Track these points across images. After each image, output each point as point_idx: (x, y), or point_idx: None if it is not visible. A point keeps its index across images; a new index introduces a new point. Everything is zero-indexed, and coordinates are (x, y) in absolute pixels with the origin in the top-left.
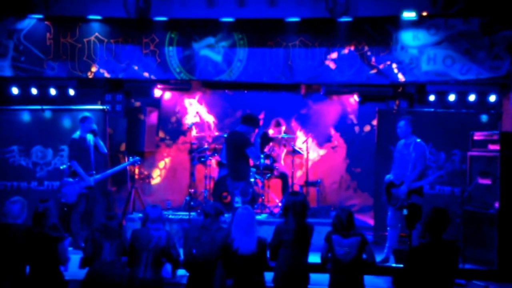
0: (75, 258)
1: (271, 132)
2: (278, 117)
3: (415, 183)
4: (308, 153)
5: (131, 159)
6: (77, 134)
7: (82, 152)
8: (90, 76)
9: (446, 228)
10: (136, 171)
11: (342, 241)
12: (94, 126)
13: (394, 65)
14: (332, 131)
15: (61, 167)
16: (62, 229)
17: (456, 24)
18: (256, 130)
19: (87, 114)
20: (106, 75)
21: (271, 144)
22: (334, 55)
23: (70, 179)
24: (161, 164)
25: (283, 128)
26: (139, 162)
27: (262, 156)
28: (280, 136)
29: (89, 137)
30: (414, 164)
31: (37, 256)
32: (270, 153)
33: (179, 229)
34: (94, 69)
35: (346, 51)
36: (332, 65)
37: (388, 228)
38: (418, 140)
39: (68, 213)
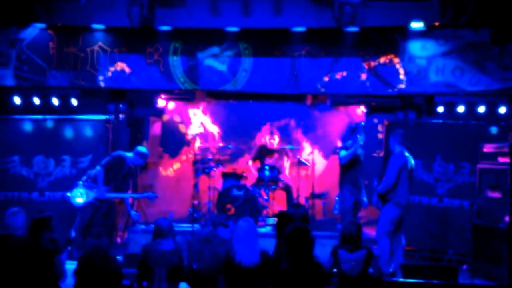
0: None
1: (269, 142)
2: (283, 128)
3: (379, 190)
4: (314, 164)
5: (148, 194)
6: (127, 154)
7: (115, 169)
8: (93, 86)
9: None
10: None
11: (348, 255)
12: (144, 160)
13: (402, 76)
14: (339, 143)
15: (92, 172)
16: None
17: (465, 34)
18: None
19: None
20: (109, 84)
21: (275, 155)
22: (340, 65)
23: (86, 184)
24: (164, 174)
25: (276, 137)
26: (154, 199)
27: (266, 167)
28: (284, 147)
29: (132, 161)
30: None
31: (34, 269)
32: (274, 164)
33: (182, 241)
34: (97, 78)
35: (353, 61)
36: (339, 76)
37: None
38: (398, 151)
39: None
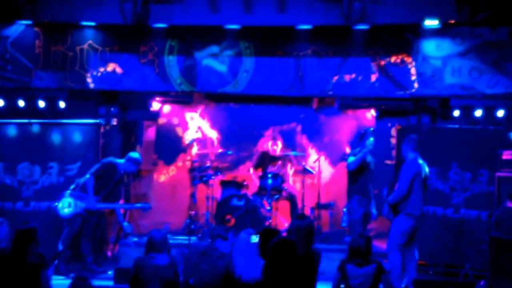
0: (58, 284)
1: (272, 148)
2: (287, 133)
3: (390, 200)
4: (320, 172)
5: (142, 205)
6: (119, 161)
7: (106, 177)
8: (82, 87)
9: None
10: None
11: (357, 270)
12: (136, 167)
13: (414, 77)
14: (347, 149)
15: (81, 180)
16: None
17: (483, 33)
18: None
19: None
20: (100, 86)
21: (279, 162)
22: (349, 65)
23: (74, 193)
24: (159, 183)
25: (280, 143)
26: (148, 210)
27: (269, 176)
28: (288, 154)
29: (124, 168)
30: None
31: (18, 285)
32: (277, 172)
33: (177, 255)
34: (87, 79)
35: (362, 61)
36: (347, 77)
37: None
38: (411, 158)
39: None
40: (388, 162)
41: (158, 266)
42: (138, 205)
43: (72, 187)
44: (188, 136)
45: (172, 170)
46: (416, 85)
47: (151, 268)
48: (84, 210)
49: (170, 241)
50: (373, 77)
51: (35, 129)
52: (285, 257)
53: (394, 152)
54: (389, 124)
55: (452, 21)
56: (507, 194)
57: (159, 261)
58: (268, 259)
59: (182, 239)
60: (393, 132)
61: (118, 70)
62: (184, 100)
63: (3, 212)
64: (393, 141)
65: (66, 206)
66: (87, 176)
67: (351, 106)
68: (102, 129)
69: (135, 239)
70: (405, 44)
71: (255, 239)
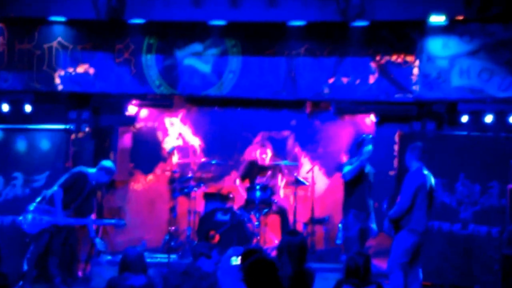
0: None
1: (260, 157)
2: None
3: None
4: (314, 184)
5: (116, 221)
6: (90, 170)
7: (76, 189)
8: (51, 89)
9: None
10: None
11: None
12: (109, 177)
13: (419, 79)
14: (344, 158)
15: (49, 192)
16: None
17: (495, 30)
18: None
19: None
20: (71, 88)
21: (268, 173)
22: (346, 66)
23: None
24: (135, 195)
25: (269, 151)
26: (123, 226)
27: (257, 187)
28: (279, 163)
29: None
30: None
31: None
32: (267, 184)
33: (156, 275)
34: (56, 80)
35: (360, 61)
36: (344, 79)
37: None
38: (415, 168)
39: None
40: (392, 173)
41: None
42: (112, 221)
43: (38, 199)
44: (168, 143)
45: (150, 181)
46: (420, 87)
47: None
48: (52, 225)
49: (148, 260)
50: (373, 79)
51: None
52: (263, 280)
53: (396, 162)
54: (391, 131)
55: (461, 17)
56: None
57: (135, 282)
58: (245, 282)
59: (160, 257)
60: (396, 139)
61: (91, 70)
62: (163, 103)
63: None
64: (396, 149)
65: (32, 220)
66: (55, 188)
67: (349, 111)
68: (72, 136)
69: (109, 257)
70: (408, 42)
71: (236, 260)
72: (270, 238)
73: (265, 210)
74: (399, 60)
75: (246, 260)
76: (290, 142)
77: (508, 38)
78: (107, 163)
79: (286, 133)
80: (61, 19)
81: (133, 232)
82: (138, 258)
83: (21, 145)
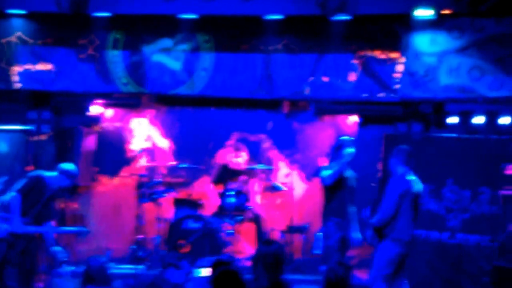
0: None
1: (234, 160)
2: (253, 142)
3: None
4: (292, 189)
5: (78, 229)
6: (49, 174)
7: (35, 194)
8: (9, 88)
9: None
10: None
11: None
12: (71, 181)
13: (404, 77)
14: (324, 162)
15: (5, 198)
16: None
17: (486, 25)
18: None
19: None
20: (30, 86)
21: (243, 177)
22: (326, 63)
23: None
24: (100, 202)
25: (244, 154)
26: (86, 235)
27: (231, 193)
28: (254, 167)
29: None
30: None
31: None
32: (241, 189)
33: (122, 287)
34: (14, 78)
35: (342, 58)
36: (325, 77)
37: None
38: (400, 173)
39: None
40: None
41: None
42: (74, 228)
43: None
44: (135, 145)
45: (115, 186)
46: (405, 86)
47: None
48: (9, 234)
49: (113, 271)
50: (355, 77)
51: None
52: None
53: (380, 166)
54: (375, 133)
55: (450, 11)
56: None
57: None
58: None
59: (127, 268)
60: (380, 141)
61: (52, 67)
62: (130, 103)
63: None
64: (380, 152)
65: None
66: (12, 193)
67: (329, 111)
68: (32, 137)
69: (71, 268)
70: (393, 38)
71: (204, 272)
72: (245, 247)
73: (239, 218)
74: (383, 57)
75: (215, 271)
76: (267, 144)
77: (500, 33)
78: (68, 166)
79: (262, 135)
80: (21, 12)
81: (97, 241)
82: (102, 269)
83: None
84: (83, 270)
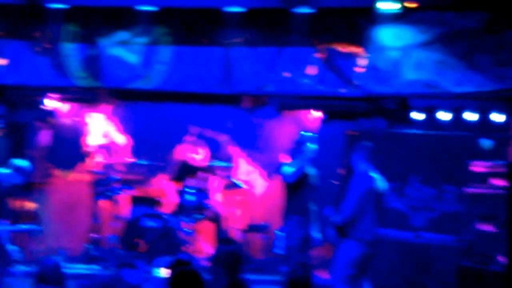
0: None
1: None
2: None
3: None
4: (252, 187)
5: (30, 227)
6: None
7: None
8: None
9: None
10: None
11: None
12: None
13: (368, 72)
14: (285, 159)
15: None
16: None
17: (451, 19)
18: None
19: None
20: None
21: (201, 175)
22: (288, 57)
23: None
24: (54, 199)
25: (203, 151)
26: (38, 233)
27: (189, 191)
28: (213, 164)
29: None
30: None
31: None
32: (200, 187)
33: (76, 287)
34: None
35: (304, 52)
36: (286, 71)
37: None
38: (362, 171)
39: None
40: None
41: None
42: (25, 227)
43: None
44: (91, 141)
45: (70, 183)
46: (369, 81)
47: None
48: None
49: (67, 271)
50: (317, 72)
51: None
52: None
53: (343, 163)
54: (338, 129)
55: (414, 4)
56: (478, 215)
57: None
58: None
59: (81, 268)
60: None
61: (5, 60)
62: (86, 97)
63: None
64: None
65: None
66: None
67: (291, 107)
68: None
69: (24, 268)
70: (357, 31)
71: (162, 273)
72: (203, 246)
73: (198, 216)
74: (347, 51)
75: (174, 271)
76: (226, 140)
77: (466, 28)
78: (20, 162)
79: (221, 130)
80: None
81: (50, 239)
82: (55, 269)
83: None
84: (36, 270)
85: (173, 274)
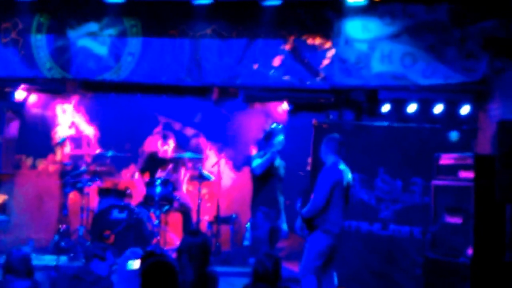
0: None
1: (162, 149)
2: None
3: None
4: (220, 179)
5: None
6: None
7: None
8: None
9: None
10: None
11: None
12: None
13: (336, 64)
14: (253, 150)
15: None
16: None
17: (417, 11)
18: None
19: None
20: None
21: (170, 166)
22: (256, 49)
23: None
24: (22, 191)
25: (171, 142)
26: (6, 224)
27: (158, 182)
28: (182, 156)
29: None
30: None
31: None
32: (168, 178)
33: (43, 279)
34: None
35: (272, 44)
36: (254, 63)
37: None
38: (331, 163)
39: None
40: (306, 167)
41: None
42: None
43: None
44: (59, 132)
45: (38, 174)
46: (337, 73)
47: None
48: None
49: (34, 262)
50: (285, 64)
51: None
52: (162, 285)
53: (310, 155)
54: (306, 121)
55: None
56: (445, 207)
57: (18, 286)
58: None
59: (49, 259)
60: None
61: None
62: (54, 88)
63: None
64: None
65: None
66: None
67: (259, 98)
68: None
69: None
70: (325, 24)
71: (134, 265)
72: (171, 238)
73: (166, 208)
74: (314, 43)
75: (145, 263)
76: (195, 132)
77: (432, 20)
78: None
79: (190, 122)
80: None
81: (18, 231)
82: (23, 260)
83: None
84: (4, 260)
85: (146, 265)
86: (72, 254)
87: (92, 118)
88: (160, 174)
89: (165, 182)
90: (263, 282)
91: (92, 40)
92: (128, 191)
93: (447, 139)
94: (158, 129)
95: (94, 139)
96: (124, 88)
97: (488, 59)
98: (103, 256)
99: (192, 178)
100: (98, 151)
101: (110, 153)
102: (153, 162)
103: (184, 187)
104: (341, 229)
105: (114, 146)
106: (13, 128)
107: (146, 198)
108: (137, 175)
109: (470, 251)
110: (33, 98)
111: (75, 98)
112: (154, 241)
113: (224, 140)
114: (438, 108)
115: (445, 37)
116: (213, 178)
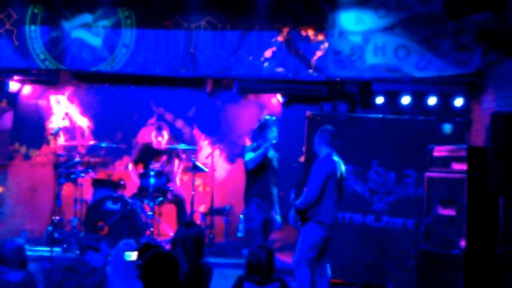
0: None
1: (156, 140)
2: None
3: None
4: (214, 170)
5: None
6: None
7: None
8: None
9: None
10: None
11: None
12: None
13: (329, 56)
14: (247, 142)
15: None
16: None
17: (412, 4)
18: None
19: None
20: None
21: (164, 158)
22: (250, 41)
23: None
24: (16, 182)
25: (165, 133)
26: (1, 216)
27: (151, 173)
28: (176, 147)
29: None
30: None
31: None
32: (162, 169)
33: (37, 270)
34: None
35: (266, 36)
36: (249, 55)
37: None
38: (324, 154)
39: None
40: (300, 159)
41: (9, 283)
42: None
43: None
44: (53, 124)
45: (32, 165)
46: (331, 65)
47: (2, 286)
48: None
49: (28, 253)
50: (279, 55)
51: None
52: (163, 276)
53: (304, 146)
54: (300, 113)
55: None
56: (439, 199)
57: (11, 277)
58: (143, 279)
59: (43, 250)
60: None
61: None
62: (48, 79)
63: None
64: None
65: None
66: None
67: (253, 90)
68: None
69: None
70: (319, 16)
71: (131, 256)
72: (165, 229)
73: (160, 199)
74: (308, 35)
75: (144, 255)
76: (189, 124)
77: (426, 12)
78: None
79: (184, 113)
80: None
81: (12, 222)
82: (16, 251)
83: None
84: None
85: (146, 256)
86: (65, 245)
87: (86, 109)
88: (154, 165)
89: (159, 174)
90: (256, 273)
91: (86, 31)
92: (122, 182)
93: (440, 131)
94: (152, 120)
95: (88, 130)
96: (118, 79)
97: (482, 52)
98: (97, 247)
99: (186, 170)
100: (92, 142)
101: (104, 144)
102: (147, 154)
103: (178, 179)
104: (335, 220)
105: (108, 137)
106: (7, 119)
107: (140, 190)
108: (131, 166)
109: (463, 243)
110: (27, 89)
111: (69, 89)
112: (148, 232)
113: (218, 131)
114: (432, 100)
115: (439, 30)
116: (207, 169)
